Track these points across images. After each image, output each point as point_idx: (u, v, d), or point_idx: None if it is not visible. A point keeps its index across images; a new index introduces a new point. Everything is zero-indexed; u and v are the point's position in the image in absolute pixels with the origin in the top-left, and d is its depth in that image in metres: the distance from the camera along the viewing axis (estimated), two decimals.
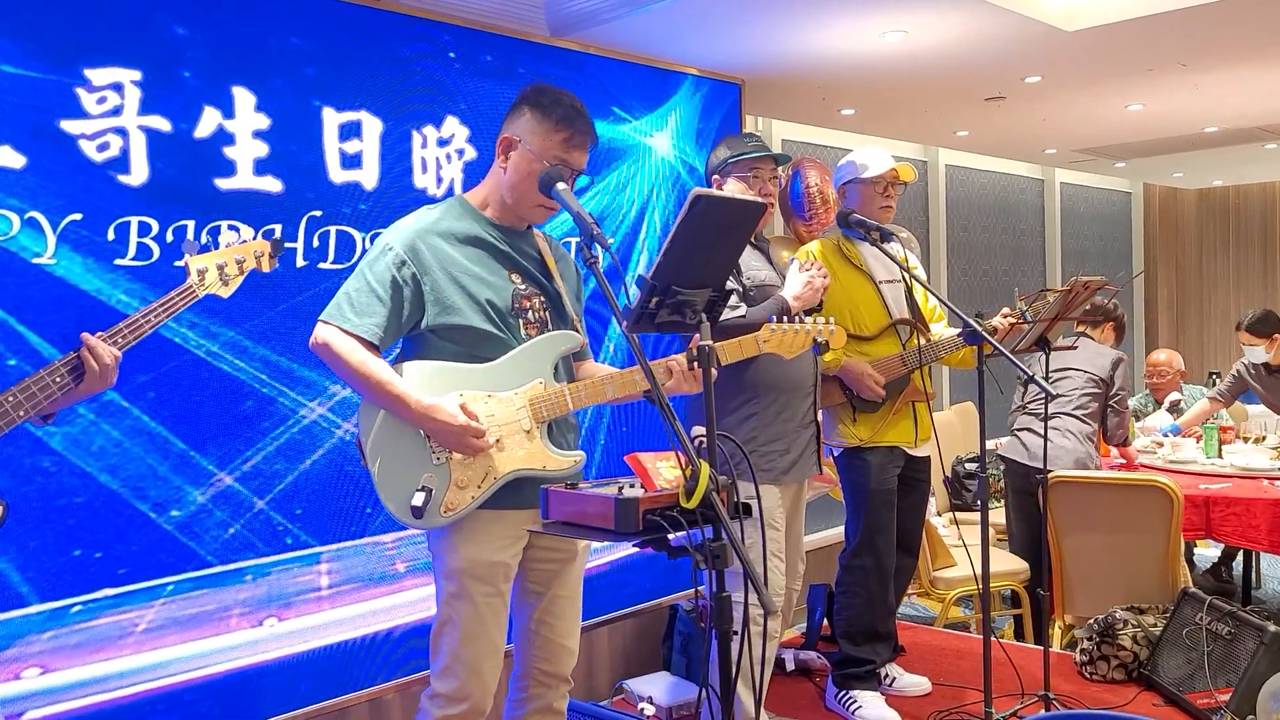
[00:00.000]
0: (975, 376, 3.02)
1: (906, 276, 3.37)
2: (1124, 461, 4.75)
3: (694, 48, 3.91)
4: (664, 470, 1.76)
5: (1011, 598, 4.53)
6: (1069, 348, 4.31)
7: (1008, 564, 4.35)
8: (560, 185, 2.11)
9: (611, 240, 3.85)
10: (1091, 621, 3.82)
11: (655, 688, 3.66)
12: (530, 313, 2.29)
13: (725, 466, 2.69)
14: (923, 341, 3.39)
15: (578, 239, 1.99)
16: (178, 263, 2.72)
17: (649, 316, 1.76)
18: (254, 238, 2.18)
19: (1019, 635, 4.48)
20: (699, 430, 1.74)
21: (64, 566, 2.55)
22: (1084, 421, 4.43)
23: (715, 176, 3.13)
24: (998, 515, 4.85)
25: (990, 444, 4.75)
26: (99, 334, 1.88)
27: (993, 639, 3.13)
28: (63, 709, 2.55)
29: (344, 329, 2.16)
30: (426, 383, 2.17)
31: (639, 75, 3.94)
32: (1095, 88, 4.84)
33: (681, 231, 1.73)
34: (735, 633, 1.72)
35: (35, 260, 2.49)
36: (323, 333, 2.18)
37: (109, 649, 2.63)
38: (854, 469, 3.37)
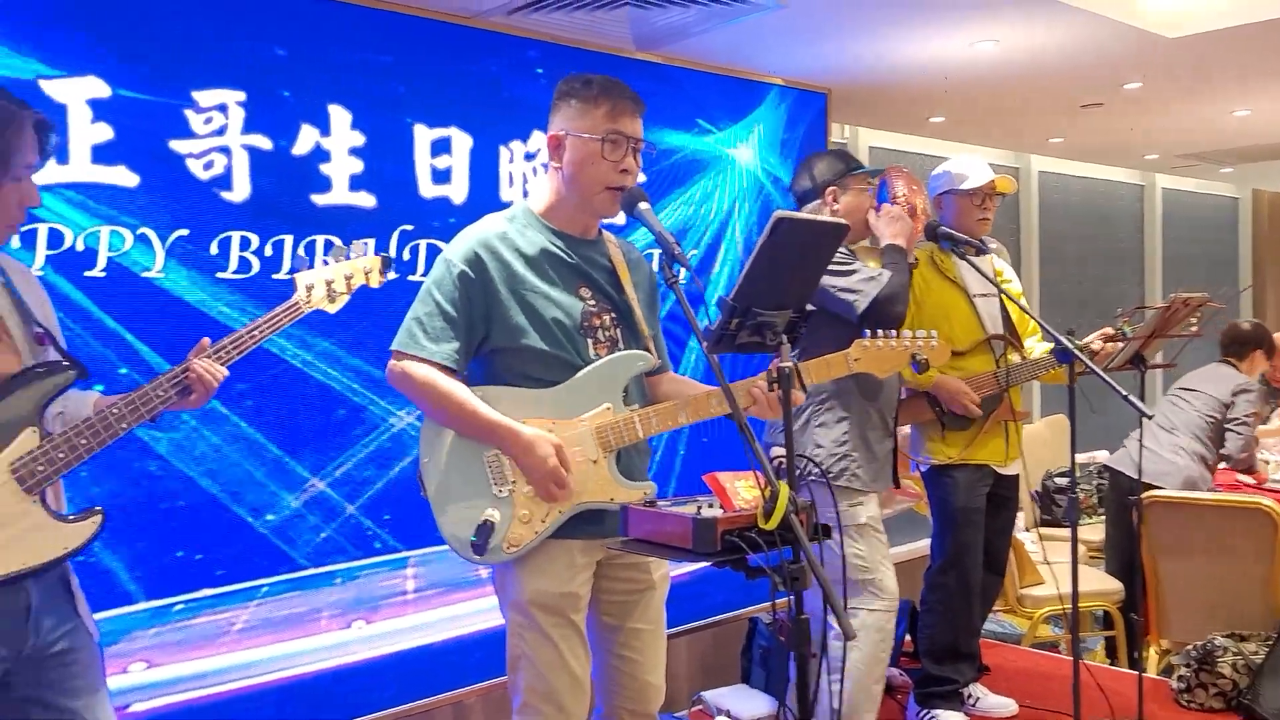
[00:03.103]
0: (1067, 391, 2.95)
1: (999, 291, 3.31)
2: (1253, 483, 4.59)
3: (780, 58, 3.91)
4: (742, 490, 1.77)
5: (1104, 619, 4.40)
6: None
7: (1100, 584, 4.23)
8: (642, 205, 2.05)
9: (694, 252, 3.86)
10: (1189, 647, 3.69)
11: (734, 700, 3.66)
12: (600, 331, 2.17)
13: (820, 479, 2.71)
14: (1016, 358, 3.32)
15: (658, 251, 1.95)
16: (278, 275, 2.82)
17: (729, 338, 1.76)
18: (366, 253, 2.16)
19: (1111, 658, 4.36)
20: (778, 451, 1.74)
21: (167, 566, 2.67)
22: (1200, 442, 4.30)
23: (833, 189, 3.02)
24: (1088, 532, 4.73)
25: (1084, 457, 4.63)
26: (206, 352, 1.92)
27: (1083, 661, 3.04)
28: (165, 703, 2.67)
29: (421, 358, 2.08)
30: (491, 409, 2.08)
31: (723, 86, 3.95)
32: (1199, 93, 4.69)
33: (763, 253, 1.73)
34: (814, 654, 1.71)
35: (145, 274, 2.61)
36: (399, 365, 2.10)
37: (207, 647, 2.74)
38: (942, 486, 3.32)
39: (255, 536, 2.81)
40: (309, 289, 2.08)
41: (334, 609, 2.96)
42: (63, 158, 2.47)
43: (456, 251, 2.13)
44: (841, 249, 2.93)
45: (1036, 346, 3.44)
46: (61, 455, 1.72)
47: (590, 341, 2.16)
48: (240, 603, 2.79)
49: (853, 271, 2.89)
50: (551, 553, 2.10)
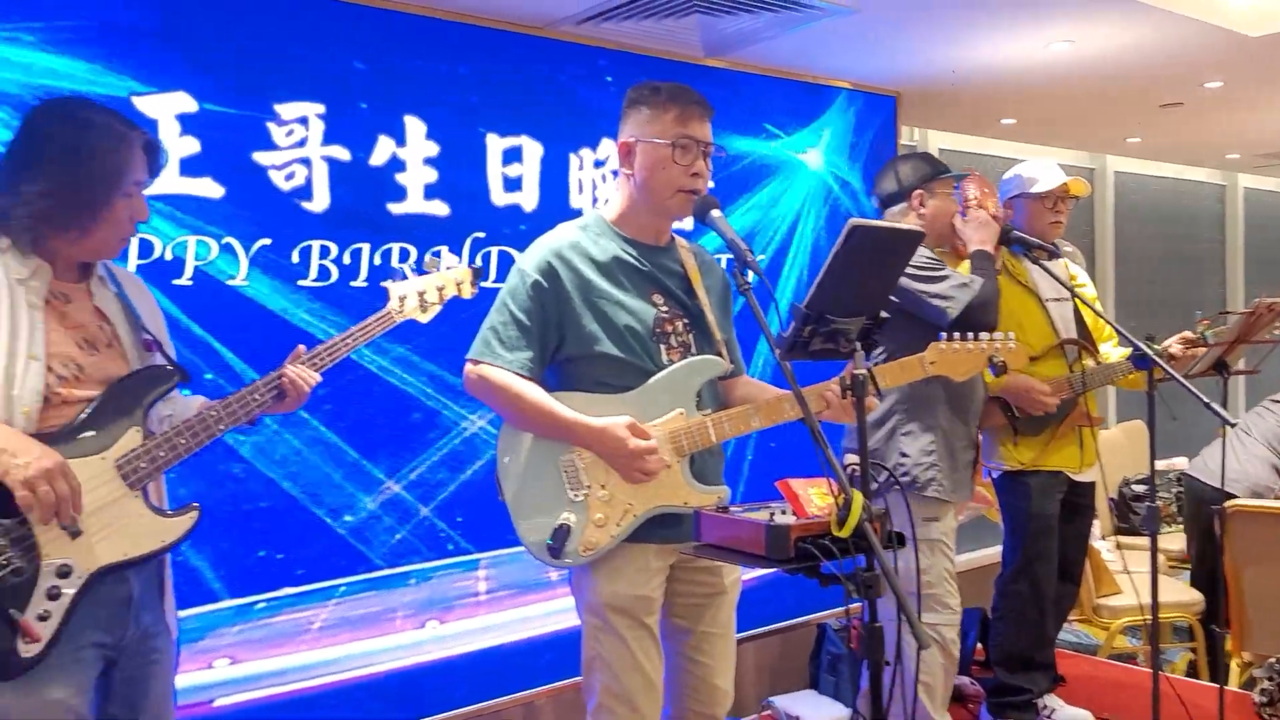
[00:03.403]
0: (1145, 396, 2.89)
1: (1073, 295, 3.25)
2: None
3: (849, 63, 3.89)
4: (815, 497, 1.77)
5: (1186, 630, 4.30)
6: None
7: (1180, 594, 4.13)
8: (715, 212, 2.06)
9: (762, 256, 3.86)
10: (1272, 660, 3.59)
11: (803, 706, 3.65)
12: (673, 336, 2.19)
13: (902, 484, 2.70)
14: (1091, 363, 3.26)
15: (728, 256, 1.96)
16: (355, 283, 2.89)
17: (802, 345, 1.77)
18: (458, 264, 2.24)
19: (1193, 672, 4.25)
20: (852, 458, 1.74)
21: (250, 566, 2.75)
22: (1275, 451, 4.18)
23: (919, 193, 3.01)
24: (1168, 542, 4.61)
25: (1163, 464, 4.53)
26: (301, 359, 2.00)
27: (1162, 673, 2.98)
28: (247, 698, 2.75)
29: (497, 365, 2.12)
30: None
31: (791, 91, 3.94)
32: None
33: (837, 260, 1.74)
34: (888, 663, 1.71)
35: (229, 282, 2.70)
36: (475, 371, 2.14)
37: (288, 644, 2.82)
38: (1014, 493, 3.27)
39: (334, 537, 2.88)
40: (401, 299, 2.15)
41: (408, 609, 3.02)
42: None
43: (530, 261, 2.16)
44: (928, 254, 2.93)
45: (1113, 352, 3.38)
46: (162, 454, 1.83)
47: (663, 347, 2.17)
48: (319, 601, 2.87)
49: (944, 278, 2.86)
50: (627, 556, 2.13)
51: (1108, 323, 3.08)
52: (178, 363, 1.96)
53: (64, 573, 1.72)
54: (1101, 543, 4.46)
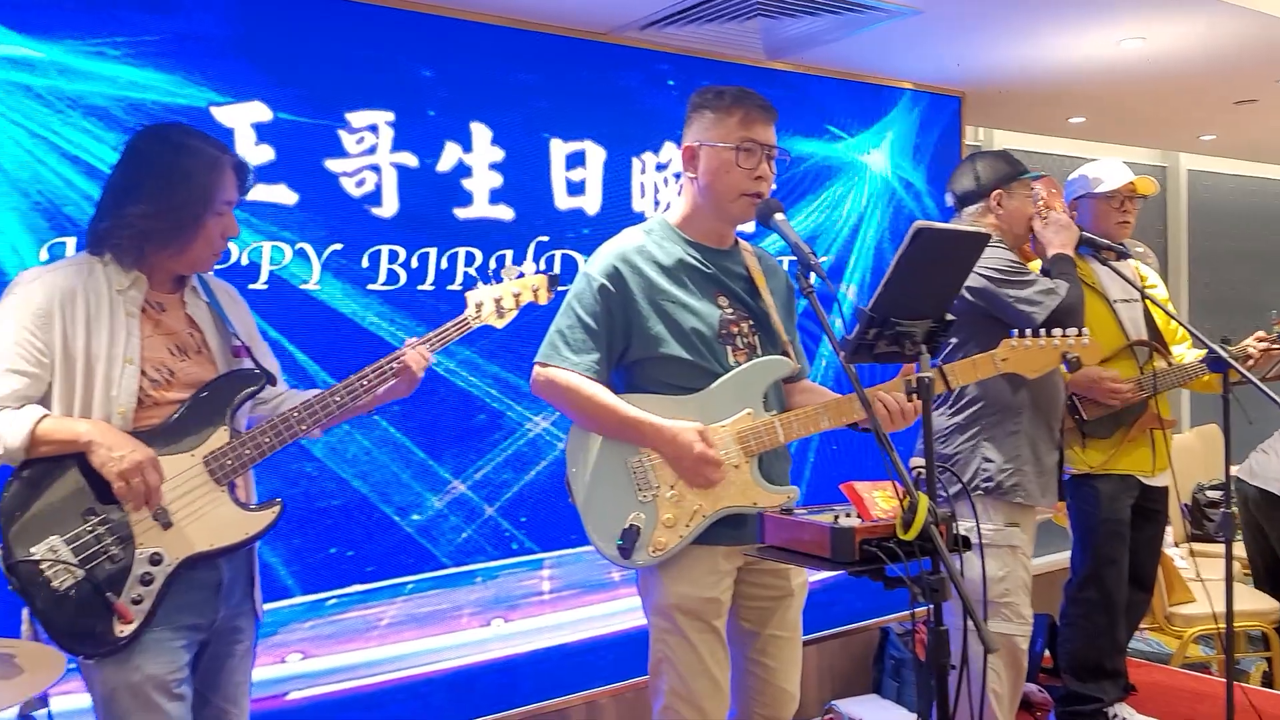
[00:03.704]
0: (1220, 400, 2.83)
1: (1143, 296, 3.20)
2: None
3: (913, 63, 3.86)
4: (880, 500, 1.77)
5: (1261, 639, 4.19)
6: None
7: (1255, 602, 4.02)
8: (778, 216, 2.07)
9: (825, 258, 3.85)
10: None
11: (866, 710, 3.63)
12: (739, 338, 2.20)
13: (986, 489, 2.69)
14: (1162, 365, 3.20)
15: (791, 258, 1.97)
16: (422, 286, 2.95)
17: (867, 347, 1.77)
18: (535, 272, 2.31)
19: (1268, 682, 4.13)
20: (917, 461, 1.73)
21: (322, 563, 2.82)
22: None
23: (999, 193, 2.96)
24: (1244, 549, 4.50)
25: (1238, 469, 4.42)
26: (411, 340, 2.14)
27: (1237, 683, 2.91)
28: (318, 692, 2.82)
29: (564, 368, 2.14)
30: None
31: (854, 92, 3.93)
32: None
33: (902, 263, 1.73)
34: (953, 667, 1.70)
35: (302, 286, 2.77)
36: (543, 374, 2.17)
37: (357, 640, 2.88)
38: (1082, 497, 3.22)
39: (402, 535, 2.94)
40: (478, 306, 2.24)
41: (474, 607, 3.07)
42: None
43: (596, 266, 2.19)
44: (1010, 257, 2.90)
45: (1186, 354, 3.31)
46: (248, 451, 1.96)
47: (729, 349, 2.19)
48: (388, 598, 2.93)
49: (1030, 282, 2.82)
50: (695, 558, 2.14)
51: (1180, 324, 3.02)
52: (264, 367, 2.08)
53: (155, 560, 1.86)
54: (1174, 549, 4.36)
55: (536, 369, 2.20)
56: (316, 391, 2.06)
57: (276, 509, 1.99)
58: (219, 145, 2.00)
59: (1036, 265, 3.27)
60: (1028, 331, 2.29)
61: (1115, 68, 3.94)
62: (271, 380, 2.06)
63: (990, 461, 2.86)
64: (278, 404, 2.15)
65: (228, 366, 2.04)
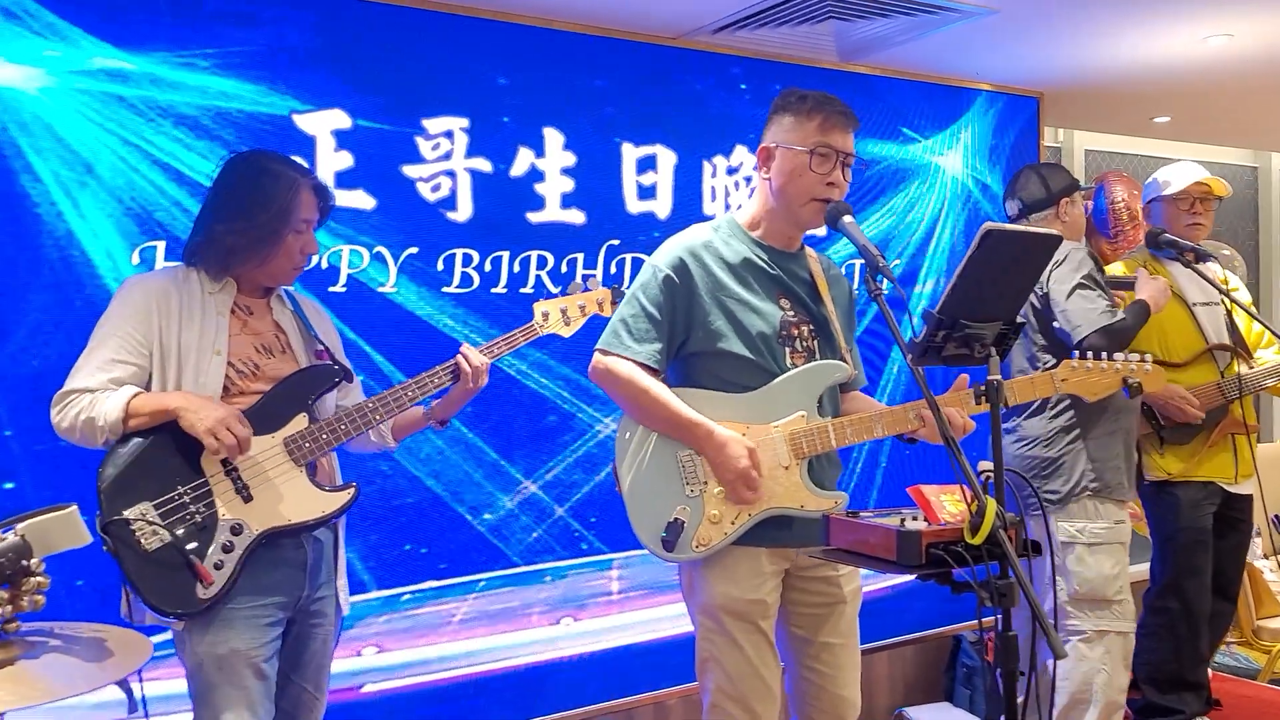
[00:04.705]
0: None
1: (1225, 299, 3.12)
2: None
3: (988, 64, 3.81)
4: (947, 504, 1.76)
5: None
6: None
7: None
8: (846, 218, 2.07)
9: (897, 262, 3.82)
10: None
11: (936, 718, 3.58)
12: (798, 340, 2.20)
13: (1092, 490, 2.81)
14: (1244, 369, 3.11)
15: (860, 261, 1.98)
16: (496, 289, 3.01)
17: (935, 350, 1.75)
18: (600, 285, 2.48)
19: None
20: (985, 464, 1.72)
21: (396, 559, 2.89)
22: None
23: (1067, 200, 3.07)
24: None
25: None
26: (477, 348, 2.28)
27: None
28: (393, 685, 2.88)
29: (625, 356, 2.15)
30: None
31: (929, 94, 3.88)
32: None
33: (971, 265, 1.72)
34: (1021, 673, 1.68)
35: (380, 289, 2.84)
36: (603, 362, 2.18)
37: (431, 635, 2.94)
38: (1161, 505, 3.15)
39: (474, 534, 2.99)
40: (545, 315, 2.37)
41: (544, 605, 3.11)
42: None
43: (662, 258, 2.20)
44: (1092, 265, 2.93)
45: (1272, 359, 3.21)
46: (325, 436, 2.10)
47: (788, 350, 2.19)
48: (460, 595, 2.98)
49: (1098, 299, 2.84)
50: (739, 558, 2.14)
51: (1266, 327, 2.93)
52: (342, 365, 2.22)
53: (237, 530, 2.00)
54: (1264, 562, 4.22)
55: (597, 356, 2.21)
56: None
57: (352, 491, 2.12)
58: (300, 169, 2.17)
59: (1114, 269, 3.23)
60: (1088, 354, 2.31)
61: (1200, 65, 3.84)
62: (349, 376, 2.20)
63: (1096, 461, 2.90)
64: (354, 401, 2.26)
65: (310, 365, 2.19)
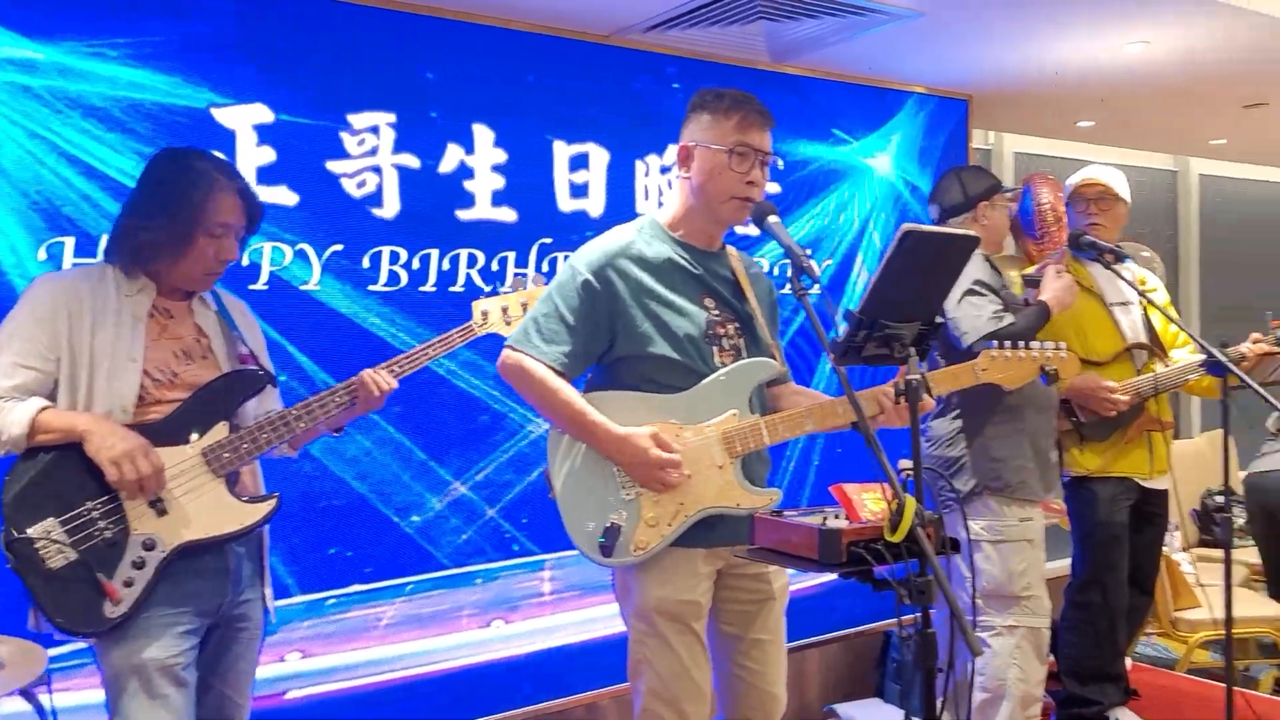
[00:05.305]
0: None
1: (1143, 300, 3.19)
2: None
3: (919, 66, 3.85)
4: (869, 502, 1.77)
5: (1273, 646, 4.15)
6: None
7: (1264, 609, 3.99)
8: (772, 218, 2.07)
9: (828, 262, 3.85)
10: None
11: (866, 714, 3.62)
12: (725, 339, 2.20)
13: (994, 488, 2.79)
14: (1160, 367, 3.19)
15: (786, 261, 1.98)
16: (424, 288, 2.96)
17: (856, 350, 1.76)
18: (541, 284, 2.37)
19: None
20: (905, 463, 1.73)
21: (321, 562, 2.84)
22: None
23: (985, 204, 3.08)
24: (1253, 554, 4.46)
25: (1240, 475, 4.40)
26: (379, 365, 2.18)
27: (1244, 690, 2.89)
28: (318, 691, 2.83)
29: (532, 355, 2.13)
30: (615, 413, 2.11)
31: (860, 96, 3.92)
32: None
33: (890, 266, 1.73)
34: (940, 669, 1.70)
35: (303, 287, 2.79)
36: (511, 357, 2.15)
37: (357, 640, 2.89)
38: (1081, 500, 3.22)
39: (402, 536, 2.95)
40: (484, 314, 2.32)
41: (474, 608, 3.08)
42: None
43: (583, 260, 2.18)
44: (988, 269, 2.98)
45: (1186, 358, 3.29)
46: (245, 446, 2.04)
47: (715, 349, 2.19)
48: (387, 599, 2.94)
49: (986, 304, 2.88)
50: (675, 561, 2.13)
51: (1181, 328, 3.01)
52: (266, 370, 2.16)
53: (149, 545, 1.94)
54: (1181, 554, 4.34)
55: (506, 351, 2.18)
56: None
57: (273, 502, 2.07)
58: (227, 171, 2.09)
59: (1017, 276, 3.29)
60: (1008, 343, 2.35)
61: (1121, 71, 3.93)
62: (272, 382, 2.15)
63: (997, 460, 2.93)
64: (269, 406, 2.20)
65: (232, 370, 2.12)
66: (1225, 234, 6.28)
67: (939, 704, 1.68)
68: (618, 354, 2.17)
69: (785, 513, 1.90)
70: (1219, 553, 4.65)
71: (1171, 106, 4.56)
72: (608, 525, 2.10)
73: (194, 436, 1.99)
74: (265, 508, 2.06)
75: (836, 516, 1.79)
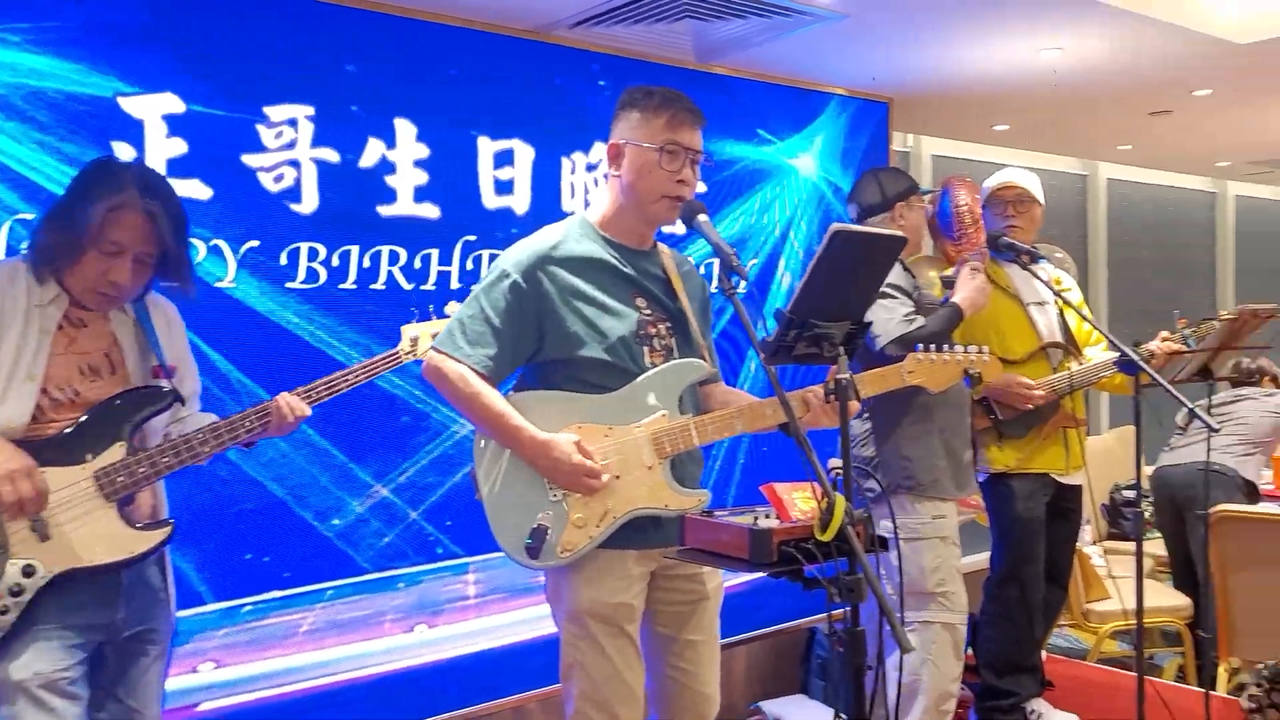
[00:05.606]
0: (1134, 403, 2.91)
1: (1058, 299, 3.27)
2: None
3: (841, 68, 3.90)
4: (799, 501, 1.77)
5: (1176, 636, 4.30)
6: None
7: (1168, 599, 4.13)
8: (701, 217, 2.06)
9: (754, 262, 3.87)
10: (1260, 666, 3.59)
11: (791, 710, 3.65)
12: (656, 339, 2.18)
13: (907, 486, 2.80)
14: (1075, 366, 3.28)
15: (717, 261, 1.97)
16: (344, 285, 2.89)
17: (786, 349, 1.77)
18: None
19: (1183, 678, 4.25)
20: (835, 462, 1.74)
21: (236, 568, 2.75)
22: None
23: (901, 205, 3.10)
24: (1159, 546, 4.62)
25: (1152, 469, 4.55)
26: (296, 389, 2.07)
27: (1151, 679, 2.98)
28: (233, 702, 2.74)
29: (455, 358, 2.09)
30: (544, 414, 2.09)
31: (784, 97, 3.95)
32: (1272, 99, 4.57)
33: (820, 266, 1.74)
34: (869, 667, 1.71)
35: (217, 284, 2.69)
36: (435, 360, 2.12)
37: (275, 648, 2.81)
38: (999, 496, 3.28)
39: (321, 540, 2.87)
40: (414, 341, 2.27)
41: (397, 613, 3.02)
42: None
43: (510, 261, 2.15)
44: (899, 271, 3.00)
45: (1100, 356, 3.39)
46: (142, 470, 1.91)
47: (646, 349, 2.17)
48: (307, 605, 2.86)
49: (898, 307, 2.92)
50: (606, 563, 2.11)
51: (1095, 327, 3.09)
52: (175, 389, 2.03)
53: (28, 572, 1.83)
54: (1092, 547, 4.47)
55: (430, 353, 2.15)
56: (215, 419, 2.03)
57: (165, 531, 1.96)
58: (149, 189, 1.93)
59: (935, 276, 3.35)
60: (932, 346, 2.38)
61: (1035, 76, 4.03)
62: (180, 400, 2.02)
63: (909, 460, 2.96)
64: (184, 426, 2.08)
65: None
66: (1131, 237, 6.50)
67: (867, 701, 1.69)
68: (547, 355, 2.15)
69: (715, 512, 1.89)
70: (1128, 545, 4.85)
71: (1082, 112, 4.70)
72: (534, 526, 2.07)
73: (89, 457, 1.88)
74: (157, 536, 1.94)
75: (767, 516, 1.78)
